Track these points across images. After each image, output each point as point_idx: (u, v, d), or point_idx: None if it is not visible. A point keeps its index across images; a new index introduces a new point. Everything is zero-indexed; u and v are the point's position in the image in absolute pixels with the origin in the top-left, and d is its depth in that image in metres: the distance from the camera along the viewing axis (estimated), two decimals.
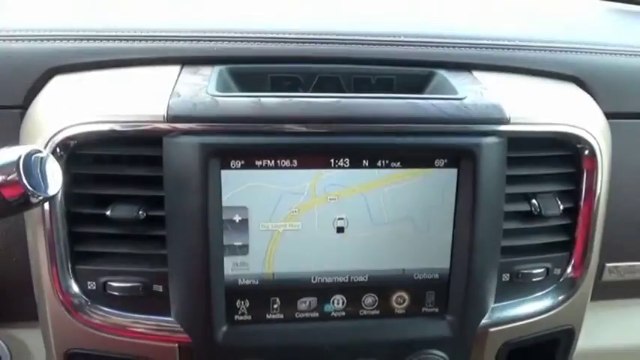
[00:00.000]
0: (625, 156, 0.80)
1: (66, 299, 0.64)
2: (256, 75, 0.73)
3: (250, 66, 0.73)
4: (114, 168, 0.63)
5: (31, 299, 0.70)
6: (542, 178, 0.71)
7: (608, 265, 0.86)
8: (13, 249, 0.71)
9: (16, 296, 0.74)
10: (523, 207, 0.70)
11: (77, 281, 0.64)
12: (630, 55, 0.83)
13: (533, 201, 0.70)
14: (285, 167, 0.62)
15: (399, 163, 0.64)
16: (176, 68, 0.70)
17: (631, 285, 0.89)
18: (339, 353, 0.67)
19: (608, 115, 0.77)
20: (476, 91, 0.69)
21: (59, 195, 0.61)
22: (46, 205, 0.61)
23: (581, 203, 0.72)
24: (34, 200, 0.47)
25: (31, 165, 0.46)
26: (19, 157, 0.45)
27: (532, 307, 0.73)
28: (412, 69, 0.76)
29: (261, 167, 0.62)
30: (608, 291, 0.90)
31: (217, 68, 0.70)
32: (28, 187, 0.45)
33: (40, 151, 0.49)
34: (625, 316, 0.93)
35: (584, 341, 0.88)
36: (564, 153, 0.71)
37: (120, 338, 0.65)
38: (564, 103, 0.73)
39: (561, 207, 0.70)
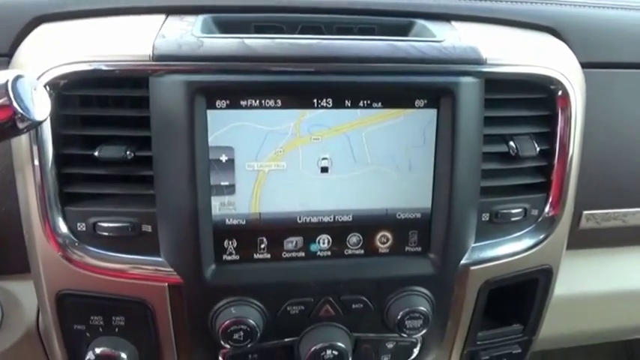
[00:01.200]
0: (599, 105, 0.83)
1: (56, 240, 0.65)
2: (240, 24, 0.74)
3: (234, 15, 0.74)
4: (101, 109, 0.64)
5: (21, 251, 0.71)
6: (518, 120, 0.73)
7: (585, 212, 0.89)
8: (3, 199, 0.72)
9: (5, 248, 0.75)
10: (501, 148, 0.72)
11: (67, 222, 0.65)
12: (605, 7, 0.86)
13: (511, 143, 0.72)
14: (270, 107, 0.64)
15: (380, 104, 0.66)
16: (161, 17, 0.71)
17: (607, 233, 0.92)
18: (325, 290, 0.69)
19: (583, 65, 0.79)
20: (454, 36, 0.71)
21: (48, 136, 0.62)
22: (35, 148, 0.63)
23: (557, 145, 0.74)
24: (21, 125, 0.48)
25: (21, 89, 0.47)
26: (8, 80, 0.46)
27: (511, 247, 0.75)
28: (393, 19, 0.78)
29: (246, 107, 0.64)
30: (586, 240, 0.93)
31: (202, 17, 0.72)
32: (18, 108, 0.46)
33: (29, 78, 0.49)
34: (602, 264, 0.96)
35: (563, 288, 0.92)
36: (539, 96, 0.73)
37: (110, 279, 0.66)
38: (540, 48, 0.76)
39: (537, 149, 0.73)
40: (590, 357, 2.07)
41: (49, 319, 0.70)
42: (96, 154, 0.63)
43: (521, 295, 0.83)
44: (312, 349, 0.69)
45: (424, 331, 0.71)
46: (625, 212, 0.90)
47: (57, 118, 0.63)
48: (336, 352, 0.69)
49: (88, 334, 0.69)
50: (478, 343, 0.82)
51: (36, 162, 0.63)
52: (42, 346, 0.78)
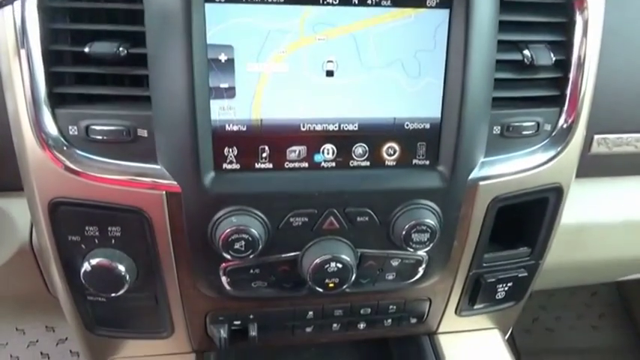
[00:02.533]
0: (617, 24, 0.79)
1: (46, 144, 0.62)
2: None
3: None
4: (92, 2, 0.60)
5: (12, 167, 0.68)
6: (534, 27, 0.69)
7: (597, 136, 0.86)
8: None
9: None
10: (515, 56, 0.69)
11: (57, 125, 0.62)
12: None
13: (525, 51, 0.69)
14: (273, 2, 0.60)
15: (389, 1, 0.62)
16: None
17: (617, 160, 0.90)
18: (329, 202, 0.67)
19: None
20: None
21: (36, 31, 0.58)
22: (23, 45, 0.59)
23: (573, 56, 0.71)
24: None
25: None
26: None
27: (522, 163, 0.72)
28: None
29: (247, 1, 0.59)
30: (595, 167, 0.91)
31: None
32: None
33: None
34: (611, 193, 0.94)
35: (571, 216, 0.90)
36: (556, 1, 0.69)
37: (105, 186, 0.63)
38: None
39: (553, 58, 0.69)
40: (587, 308, 2.10)
41: (42, 231, 0.67)
42: (86, 50, 0.59)
43: (529, 218, 0.81)
44: (316, 261, 0.67)
45: (430, 246, 0.68)
46: (638, 137, 0.88)
47: (45, 11, 0.59)
48: (340, 265, 0.67)
49: (83, 246, 0.67)
50: (484, 265, 0.80)
51: (24, 60, 0.59)
52: (36, 263, 0.76)
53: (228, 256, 0.65)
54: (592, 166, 0.89)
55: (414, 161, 0.69)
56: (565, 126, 0.73)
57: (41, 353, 1.77)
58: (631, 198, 0.95)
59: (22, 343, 1.78)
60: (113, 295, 0.68)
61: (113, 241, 0.67)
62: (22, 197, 0.70)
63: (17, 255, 0.76)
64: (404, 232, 0.67)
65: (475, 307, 0.85)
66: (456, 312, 0.86)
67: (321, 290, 0.69)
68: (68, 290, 0.72)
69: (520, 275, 0.83)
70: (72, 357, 1.76)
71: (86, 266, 0.66)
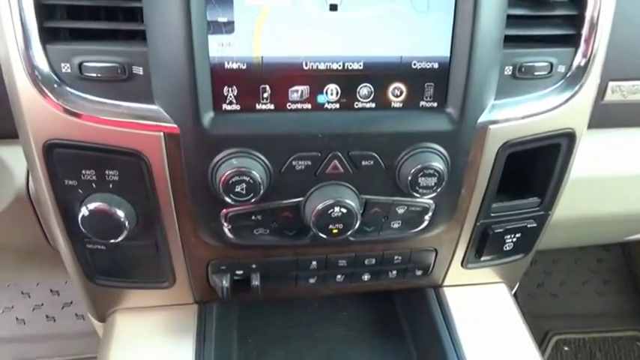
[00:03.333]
0: None
1: (38, 82, 0.59)
2: None
3: None
4: None
5: (6, 115, 0.66)
6: None
7: (612, 83, 0.83)
8: None
9: None
10: None
11: (50, 62, 0.59)
12: None
13: None
14: None
15: None
16: None
17: (631, 109, 0.87)
18: (333, 144, 0.64)
19: None
20: None
21: None
22: None
23: None
24: None
25: None
26: None
27: (533, 106, 0.69)
28: None
29: None
30: (608, 117, 0.88)
31: None
32: None
33: None
34: (622, 145, 0.92)
35: (580, 168, 0.88)
36: None
37: (101, 127, 0.61)
38: None
39: None
40: (592, 274, 2.09)
41: (39, 176, 0.65)
42: None
43: (539, 167, 0.78)
44: (319, 206, 0.65)
45: (437, 192, 0.66)
46: None
47: None
48: (344, 211, 0.65)
49: (80, 191, 0.65)
50: (492, 215, 0.78)
51: None
52: (34, 212, 0.74)
53: (229, 200, 0.63)
54: (605, 116, 0.86)
55: (422, 103, 0.66)
56: (580, 67, 0.69)
57: (47, 316, 1.78)
58: None
59: (27, 307, 1.80)
60: (112, 241, 0.67)
61: (111, 185, 0.65)
62: (18, 145, 0.68)
63: (14, 203, 0.74)
64: (410, 177, 0.65)
65: (482, 258, 0.83)
66: (462, 264, 0.84)
67: (324, 237, 0.67)
68: (67, 238, 0.70)
69: (529, 226, 0.80)
70: (77, 320, 1.78)
71: (84, 211, 0.64)
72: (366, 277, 0.81)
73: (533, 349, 0.83)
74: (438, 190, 0.66)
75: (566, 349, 1.85)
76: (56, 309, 1.79)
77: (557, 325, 1.92)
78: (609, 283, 2.08)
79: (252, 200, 0.63)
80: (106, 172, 0.64)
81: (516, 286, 0.98)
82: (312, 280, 0.80)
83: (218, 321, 0.82)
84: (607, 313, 2.01)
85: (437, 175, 0.65)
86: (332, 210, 0.65)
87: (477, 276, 0.88)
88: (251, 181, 0.62)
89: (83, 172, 0.64)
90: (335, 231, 0.67)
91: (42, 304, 1.79)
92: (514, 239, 0.82)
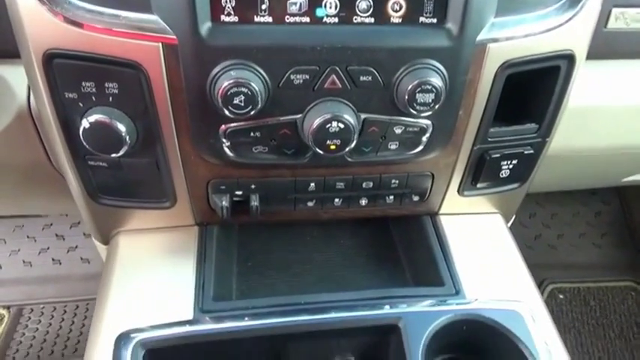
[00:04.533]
0: None
1: None
2: None
3: None
4: None
5: (7, 35, 0.66)
6: None
7: (615, 9, 0.82)
8: None
9: None
10: None
11: None
12: None
13: None
14: None
15: None
16: None
17: (633, 38, 0.86)
18: (331, 58, 0.64)
19: None
20: None
21: None
22: None
23: None
24: None
25: None
26: None
27: (534, 26, 0.69)
28: None
29: None
30: (609, 48, 0.87)
31: None
32: None
33: None
34: (621, 77, 0.91)
35: (582, 98, 0.88)
36: None
37: (99, 36, 0.61)
38: None
39: None
40: (590, 227, 2.11)
41: (40, 89, 0.66)
42: None
43: (538, 93, 0.78)
44: (317, 121, 0.65)
45: (435, 109, 0.66)
46: None
47: None
48: (341, 126, 0.66)
49: (80, 104, 0.66)
50: (489, 140, 0.78)
51: None
52: (35, 130, 0.75)
53: (228, 114, 0.63)
54: (608, 47, 0.86)
55: (421, 18, 0.65)
56: None
57: (52, 259, 1.83)
58: None
59: (33, 250, 1.84)
60: (114, 156, 0.68)
61: (111, 98, 0.65)
62: (19, 65, 0.68)
63: (16, 121, 0.75)
64: (408, 93, 0.65)
65: (478, 185, 0.84)
66: (458, 191, 0.85)
67: (322, 153, 0.68)
68: (69, 154, 0.71)
69: (526, 152, 0.81)
70: (82, 263, 1.82)
71: (85, 124, 0.65)
72: (363, 201, 0.83)
73: (526, 275, 0.85)
74: (436, 107, 0.66)
75: (561, 297, 1.89)
76: (62, 252, 1.83)
77: (554, 275, 1.96)
78: (606, 236, 2.11)
79: (251, 113, 0.63)
80: (106, 84, 0.64)
81: (512, 218, 0.99)
82: (310, 204, 0.81)
83: (218, 243, 0.84)
84: (602, 265, 2.04)
85: (434, 91, 0.65)
86: (330, 125, 0.66)
87: (473, 205, 0.90)
88: (249, 92, 0.62)
89: (83, 84, 0.64)
90: (332, 147, 0.68)
91: (48, 248, 1.84)
92: (510, 166, 0.82)
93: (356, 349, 0.74)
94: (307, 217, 0.85)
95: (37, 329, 1.65)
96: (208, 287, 0.76)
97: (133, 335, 0.69)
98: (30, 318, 1.68)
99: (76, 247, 1.84)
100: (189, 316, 0.72)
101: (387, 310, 0.73)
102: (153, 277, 0.79)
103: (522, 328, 0.73)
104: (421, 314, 0.72)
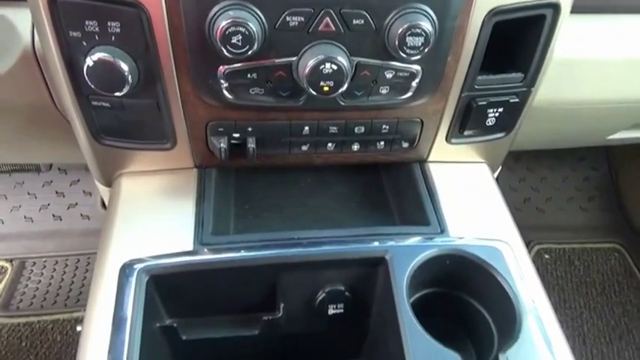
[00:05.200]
0: None
1: None
2: None
3: None
4: None
5: None
6: None
7: None
8: None
9: None
10: None
11: None
12: None
13: None
14: None
15: None
16: None
17: None
18: (325, 0, 0.67)
19: None
20: None
21: None
22: None
23: None
24: None
25: None
26: None
27: None
28: None
29: None
30: (597, 1, 0.90)
31: None
32: None
33: None
34: (607, 31, 0.94)
35: (567, 50, 0.91)
36: None
37: None
38: None
39: None
40: (578, 191, 2.17)
41: (44, 28, 0.68)
42: None
43: (523, 43, 0.81)
44: (311, 62, 0.68)
45: (424, 53, 0.70)
46: None
47: None
48: (335, 67, 0.69)
49: (84, 43, 0.68)
50: (476, 87, 0.82)
51: None
52: (39, 68, 0.78)
53: (226, 53, 0.66)
54: (594, 0, 0.88)
55: None
56: None
57: (53, 215, 1.87)
58: (631, 36, 0.94)
59: (34, 207, 1.88)
60: (117, 94, 0.71)
61: (113, 37, 0.68)
62: (24, 7, 0.71)
63: (21, 62, 0.78)
64: (398, 37, 0.68)
65: (465, 133, 0.88)
66: (446, 139, 0.89)
67: (315, 94, 0.71)
68: (72, 93, 0.74)
69: (511, 101, 0.84)
70: (82, 219, 1.86)
71: (88, 62, 0.68)
72: (355, 146, 0.86)
73: (509, 221, 0.89)
74: (425, 51, 0.69)
75: (546, 257, 1.96)
76: (62, 209, 1.87)
77: (541, 237, 2.02)
78: (593, 200, 2.16)
79: (249, 53, 0.66)
80: (108, 23, 0.67)
81: (498, 169, 1.03)
82: (304, 147, 0.85)
83: (217, 186, 0.87)
84: (588, 227, 2.11)
85: (424, 35, 0.68)
86: (323, 66, 0.69)
87: (461, 153, 0.93)
88: (247, 32, 0.65)
89: (86, 22, 0.67)
90: (326, 89, 0.71)
91: (48, 205, 1.88)
92: (496, 114, 0.86)
93: (346, 280, 0.79)
94: (301, 162, 0.89)
95: (40, 281, 1.71)
96: (207, 224, 0.80)
97: (136, 264, 0.73)
98: (32, 271, 1.74)
99: (76, 204, 1.88)
100: (190, 248, 0.76)
101: (375, 245, 0.77)
102: (154, 215, 0.83)
103: (502, 264, 0.78)
104: (407, 247, 0.77)
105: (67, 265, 1.76)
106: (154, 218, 0.82)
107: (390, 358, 0.74)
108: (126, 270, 0.73)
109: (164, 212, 0.83)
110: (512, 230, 0.88)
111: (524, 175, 2.19)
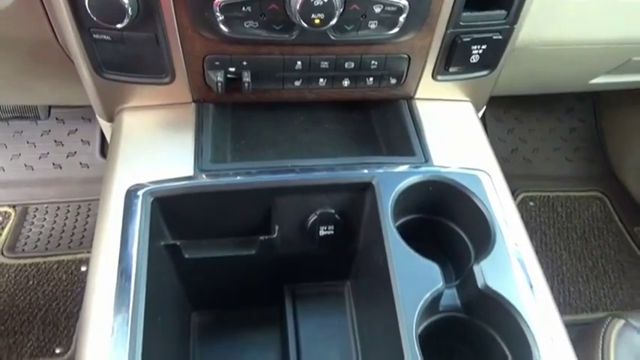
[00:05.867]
0: None
1: None
2: None
3: None
4: None
5: None
6: None
7: None
8: None
9: None
10: None
11: None
12: None
13: None
14: None
15: None
16: None
17: None
18: None
19: None
20: None
21: None
22: None
23: None
24: None
25: None
26: None
27: None
28: None
29: None
30: None
31: None
32: None
33: None
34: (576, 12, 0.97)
35: (531, 34, 0.94)
36: None
37: None
38: None
39: None
40: (564, 142, 2.22)
41: None
42: None
43: None
44: None
45: None
46: None
47: None
48: (325, 0, 0.73)
49: None
50: (461, 24, 0.85)
51: None
52: (41, 3, 0.81)
53: None
54: None
55: None
56: None
57: (53, 164, 1.91)
58: None
59: (34, 155, 1.92)
60: (118, 26, 0.74)
61: None
62: None
63: None
64: None
65: (450, 69, 0.92)
66: (432, 76, 0.93)
67: (307, 26, 0.75)
68: (75, 26, 0.78)
69: (494, 38, 0.88)
70: (82, 168, 1.91)
71: None
72: (345, 82, 0.91)
73: (490, 154, 0.95)
74: None
75: (531, 204, 2.03)
76: (61, 157, 1.91)
77: (526, 185, 2.09)
78: (578, 151, 2.23)
79: None
80: None
81: (483, 109, 1.08)
82: (297, 83, 0.89)
83: (214, 120, 0.92)
84: (573, 177, 2.18)
85: None
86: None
87: (446, 91, 0.98)
88: None
89: None
90: (317, 21, 0.75)
91: (47, 153, 1.92)
92: (480, 51, 0.90)
93: (336, 204, 0.85)
94: (295, 97, 0.93)
95: (43, 225, 1.77)
96: (206, 153, 0.85)
97: (141, 189, 0.79)
98: (35, 216, 1.80)
99: (75, 152, 1.93)
100: (190, 174, 0.82)
101: (363, 172, 0.83)
102: (156, 146, 0.87)
103: (481, 189, 0.84)
104: (393, 174, 0.82)
105: (68, 211, 1.82)
106: (156, 148, 0.87)
107: (375, 274, 0.81)
108: (131, 193, 0.78)
109: (165, 143, 0.88)
110: (492, 162, 0.93)
111: (513, 126, 2.25)
